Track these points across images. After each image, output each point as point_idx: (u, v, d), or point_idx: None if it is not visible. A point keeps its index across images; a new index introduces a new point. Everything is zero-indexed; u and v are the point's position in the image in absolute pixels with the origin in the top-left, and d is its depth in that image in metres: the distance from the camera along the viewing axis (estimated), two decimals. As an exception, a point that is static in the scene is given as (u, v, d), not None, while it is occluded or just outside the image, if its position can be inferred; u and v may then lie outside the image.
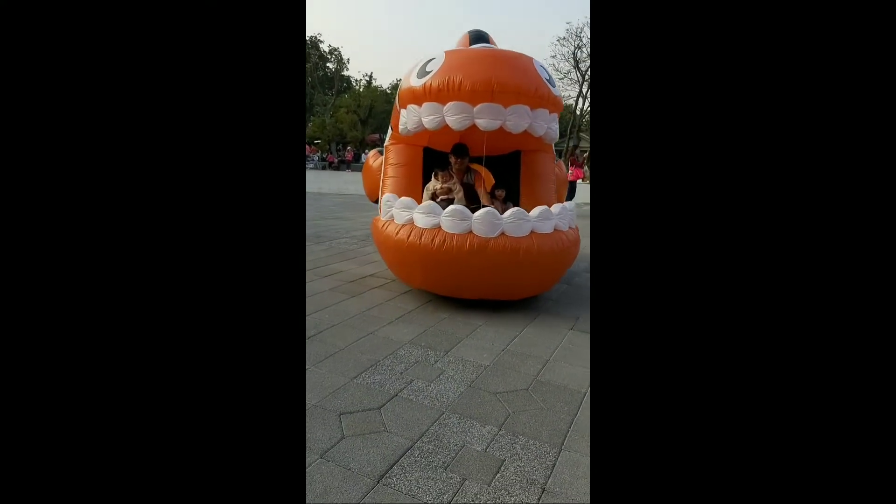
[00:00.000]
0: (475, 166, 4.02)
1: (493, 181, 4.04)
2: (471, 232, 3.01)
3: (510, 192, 4.20)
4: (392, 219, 3.32)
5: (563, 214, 3.29)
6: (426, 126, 3.24)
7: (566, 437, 1.95)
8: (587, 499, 1.59)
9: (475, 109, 3.04)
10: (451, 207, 3.06)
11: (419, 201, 3.32)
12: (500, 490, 1.62)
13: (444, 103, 3.10)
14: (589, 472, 1.73)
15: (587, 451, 1.86)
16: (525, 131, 3.18)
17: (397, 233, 3.23)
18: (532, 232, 3.08)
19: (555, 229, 3.21)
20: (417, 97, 3.24)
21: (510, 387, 2.34)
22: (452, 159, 3.93)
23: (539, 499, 1.58)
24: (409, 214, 3.20)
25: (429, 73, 3.14)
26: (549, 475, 1.71)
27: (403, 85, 3.40)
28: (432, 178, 3.88)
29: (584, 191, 11.20)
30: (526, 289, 3.39)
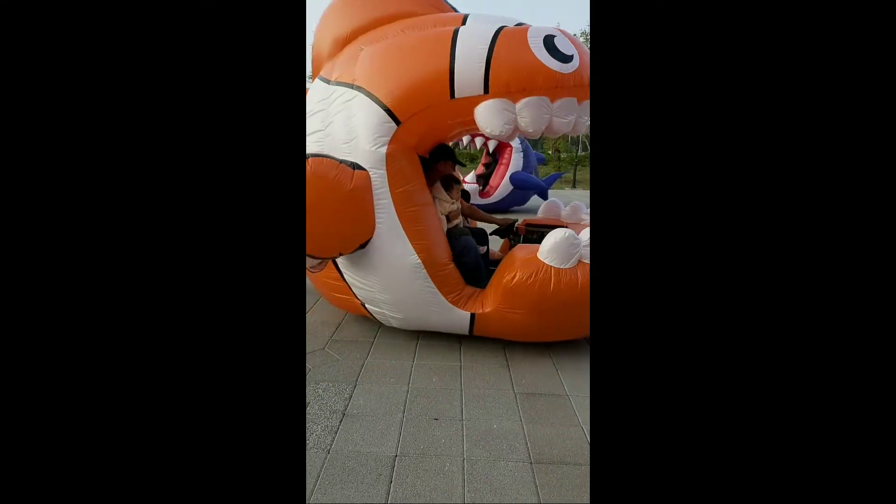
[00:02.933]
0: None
1: None
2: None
3: None
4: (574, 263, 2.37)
5: None
6: (558, 128, 2.31)
7: (359, 376, 2.37)
8: (387, 417, 2.05)
9: (580, 108, 2.36)
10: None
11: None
12: (310, 423, 1.96)
13: (581, 101, 2.30)
14: (381, 395, 2.19)
15: (378, 380, 2.32)
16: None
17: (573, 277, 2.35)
18: None
19: None
20: (559, 87, 2.20)
21: (308, 349, 2.65)
22: (447, 167, 2.97)
23: (340, 422, 1.97)
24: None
25: (569, 57, 2.20)
26: (348, 404, 2.11)
27: (518, 62, 2.19)
28: (442, 195, 2.83)
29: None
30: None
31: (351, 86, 2.45)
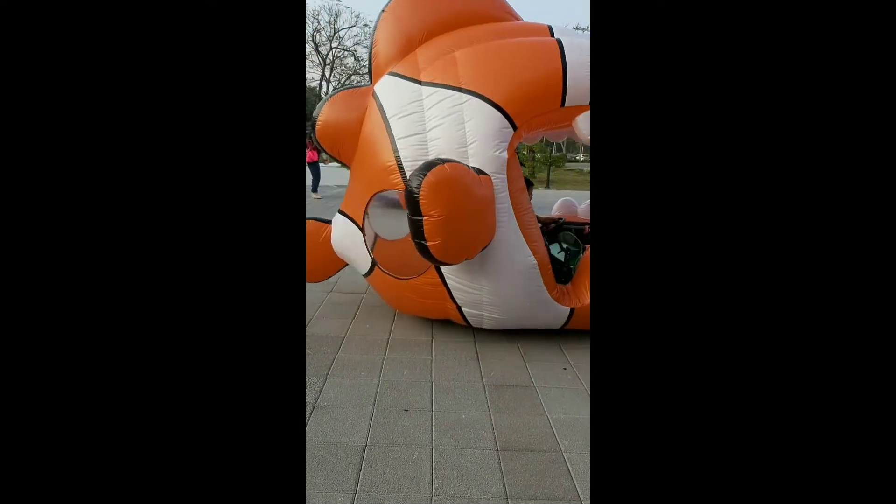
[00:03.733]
0: None
1: None
2: None
3: None
4: None
5: None
6: None
7: (329, 370, 2.39)
8: (357, 409, 2.07)
9: None
10: None
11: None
12: (278, 415, 1.97)
13: None
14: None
15: (349, 374, 2.34)
16: None
17: None
18: None
19: None
20: None
21: (279, 344, 2.65)
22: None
23: (310, 414, 1.98)
24: None
25: None
26: (318, 397, 2.13)
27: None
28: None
29: (330, 172, 11.34)
30: None
31: (458, 89, 2.43)
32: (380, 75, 2.76)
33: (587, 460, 1.77)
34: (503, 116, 2.38)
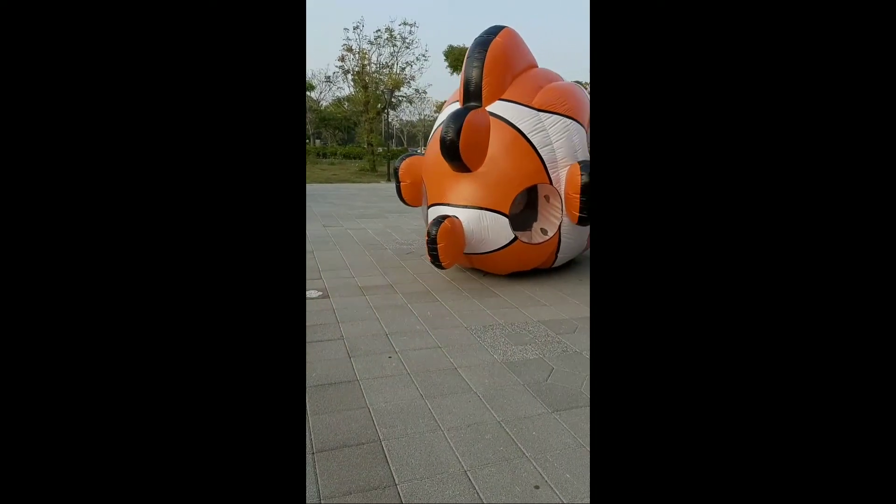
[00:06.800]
0: None
1: None
2: None
3: None
4: None
5: None
6: None
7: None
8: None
9: None
10: None
11: None
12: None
13: None
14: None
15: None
16: None
17: None
18: None
19: None
20: None
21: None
22: None
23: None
24: None
25: None
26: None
27: None
28: None
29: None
30: None
31: (564, 115, 3.79)
32: (490, 99, 3.78)
33: (405, 445, 1.80)
34: (586, 133, 3.92)
